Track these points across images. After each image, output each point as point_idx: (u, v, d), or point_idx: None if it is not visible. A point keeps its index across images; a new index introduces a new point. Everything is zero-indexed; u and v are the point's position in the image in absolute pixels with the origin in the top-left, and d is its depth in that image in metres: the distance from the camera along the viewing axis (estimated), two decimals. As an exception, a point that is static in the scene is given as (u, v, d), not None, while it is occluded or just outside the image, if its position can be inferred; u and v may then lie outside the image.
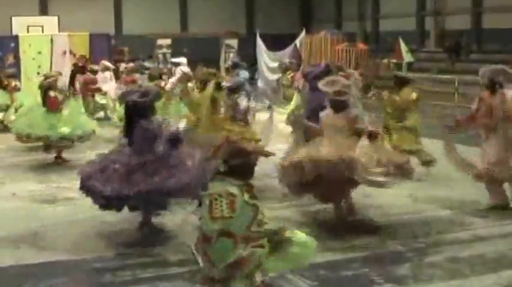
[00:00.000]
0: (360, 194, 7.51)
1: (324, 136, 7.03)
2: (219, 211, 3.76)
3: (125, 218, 7.41)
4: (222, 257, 3.80)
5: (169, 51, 25.74)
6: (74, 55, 20.49)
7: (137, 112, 6.72)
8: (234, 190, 3.84)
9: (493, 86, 7.54)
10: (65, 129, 10.18)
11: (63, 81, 14.19)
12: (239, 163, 3.92)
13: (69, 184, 8.72)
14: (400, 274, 5.82)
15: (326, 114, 7.19)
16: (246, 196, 3.89)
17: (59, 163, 10.50)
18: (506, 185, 7.66)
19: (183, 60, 14.88)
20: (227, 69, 15.15)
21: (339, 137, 6.87)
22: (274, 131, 9.66)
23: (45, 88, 10.34)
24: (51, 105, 10.27)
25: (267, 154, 4.31)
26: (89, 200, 8.22)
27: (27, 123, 10.41)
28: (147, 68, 15.57)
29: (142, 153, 6.66)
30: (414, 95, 9.37)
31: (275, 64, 20.69)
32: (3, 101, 14.26)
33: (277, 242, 4.03)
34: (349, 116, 7.00)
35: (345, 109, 7.06)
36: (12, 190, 8.94)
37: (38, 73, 17.11)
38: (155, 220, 7.32)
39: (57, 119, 10.26)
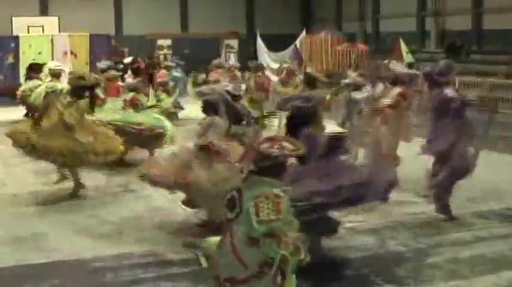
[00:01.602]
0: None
1: None
2: (265, 213, 3.82)
3: (125, 218, 7.43)
4: (267, 257, 3.87)
5: (170, 51, 25.77)
6: (75, 55, 20.53)
7: (300, 118, 6.15)
8: (278, 191, 3.91)
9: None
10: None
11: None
12: (271, 165, 3.99)
13: (70, 185, 8.73)
14: (400, 275, 5.84)
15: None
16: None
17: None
18: None
19: None
20: (228, 70, 15.16)
21: None
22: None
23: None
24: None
25: (295, 154, 4.29)
26: (89, 200, 8.28)
27: None
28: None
29: (309, 160, 5.94)
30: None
31: (276, 65, 20.69)
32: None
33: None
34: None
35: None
36: (13, 190, 8.95)
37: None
38: (156, 220, 7.35)
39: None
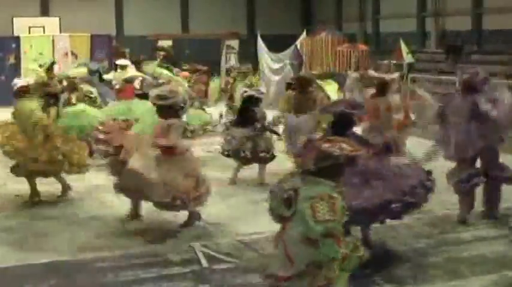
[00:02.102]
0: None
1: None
2: (321, 214, 3.91)
3: (126, 218, 7.45)
4: (329, 257, 3.98)
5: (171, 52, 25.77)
6: (76, 56, 20.55)
7: (343, 124, 6.23)
8: (333, 192, 3.97)
9: None
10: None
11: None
12: (329, 166, 4.04)
13: (71, 184, 8.74)
14: (401, 274, 5.85)
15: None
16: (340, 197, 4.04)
17: None
18: None
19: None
20: (227, 71, 15.22)
21: None
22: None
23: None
24: None
25: (355, 154, 4.33)
26: (89, 200, 8.30)
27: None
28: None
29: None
30: None
31: (277, 65, 20.71)
32: None
33: None
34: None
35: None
36: (14, 190, 8.96)
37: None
38: (157, 220, 7.36)
39: None
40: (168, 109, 7.04)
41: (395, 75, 9.30)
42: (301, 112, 9.54)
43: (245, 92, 9.88)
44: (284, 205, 4.12)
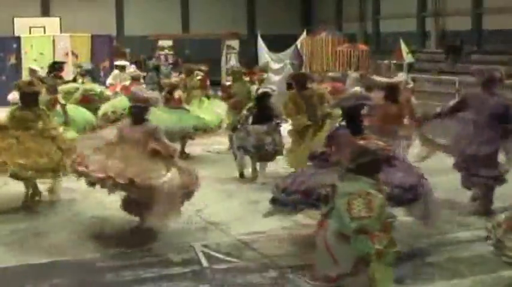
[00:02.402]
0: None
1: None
2: (357, 210, 3.95)
3: (127, 218, 7.44)
4: (362, 253, 4.04)
5: (171, 52, 25.80)
6: (76, 56, 20.57)
7: (355, 116, 6.53)
8: (370, 189, 3.99)
9: None
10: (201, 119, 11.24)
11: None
12: (368, 162, 4.07)
13: (71, 184, 8.74)
14: (401, 274, 5.86)
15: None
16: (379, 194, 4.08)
17: (184, 158, 10.79)
18: None
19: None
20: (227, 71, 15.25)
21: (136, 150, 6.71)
22: None
23: (170, 89, 11.56)
24: (174, 103, 11.35)
25: (389, 151, 4.39)
26: (89, 200, 8.30)
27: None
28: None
29: None
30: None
31: (277, 65, 20.72)
32: None
33: None
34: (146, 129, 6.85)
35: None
36: (15, 190, 8.97)
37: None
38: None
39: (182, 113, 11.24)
40: (145, 112, 6.96)
41: (402, 77, 9.22)
42: (308, 109, 9.43)
43: (257, 89, 10.23)
44: (323, 202, 4.17)
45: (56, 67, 15.65)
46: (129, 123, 7.03)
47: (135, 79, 13.44)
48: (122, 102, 12.02)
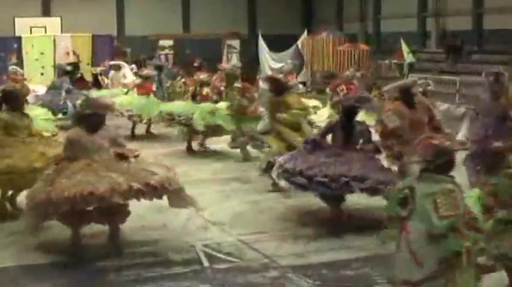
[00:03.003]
0: (362, 195, 7.55)
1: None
2: (443, 209, 3.98)
3: (128, 218, 7.45)
4: (452, 251, 4.02)
5: (172, 52, 25.84)
6: (77, 56, 20.63)
7: (351, 115, 7.48)
8: (452, 187, 4.03)
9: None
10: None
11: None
12: (445, 161, 4.11)
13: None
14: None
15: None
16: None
17: (203, 151, 11.75)
18: None
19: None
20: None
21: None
22: None
23: (200, 84, 12.17)
24: (202, 98, 11.92)
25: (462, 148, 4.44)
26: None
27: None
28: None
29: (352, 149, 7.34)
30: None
31: (278, 65, 20.76)
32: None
33: None
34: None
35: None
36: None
37: (42, 73, 17.53)
38: (158, 219, 7.39)
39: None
40: (104, 119, 6.70)
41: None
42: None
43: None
44: (400, 205, 4.17)
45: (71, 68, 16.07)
46: (82, 132, 6.46)
47: (147, 78, 13.93)
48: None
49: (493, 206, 4.78)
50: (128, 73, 16.48)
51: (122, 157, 6.43)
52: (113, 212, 6.33)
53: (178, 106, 12.22)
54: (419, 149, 4.24)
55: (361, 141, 7.43)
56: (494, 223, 4.71)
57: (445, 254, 4.03)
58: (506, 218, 4.72)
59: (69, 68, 16.15)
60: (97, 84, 16.77)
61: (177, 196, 6.43)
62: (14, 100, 7.90)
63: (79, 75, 16.87)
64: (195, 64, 16.47)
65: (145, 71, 14.62)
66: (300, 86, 17.50)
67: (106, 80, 16.26)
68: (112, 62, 17.10)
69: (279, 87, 9.13)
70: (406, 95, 7.76)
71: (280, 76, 10.59)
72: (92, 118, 6.47)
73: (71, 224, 6.43)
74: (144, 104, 13.25)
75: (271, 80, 9.45)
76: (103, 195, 5.90)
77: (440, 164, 4.13)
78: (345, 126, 7.43)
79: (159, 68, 15.02)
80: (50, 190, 6.07)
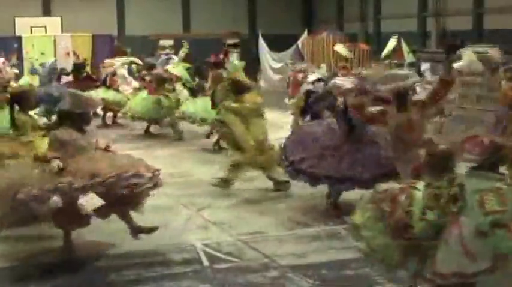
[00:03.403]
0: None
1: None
2: (490, 205, 4.02)
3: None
4: (499, 248, 4.00)
5: (172, 51, 25.83)
6: (78, 56, 20.62)
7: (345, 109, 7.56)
8: (501, 183, 4.06)
9: None
10: None
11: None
12: (496, 159, 4.13)
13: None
14: (402, 274, 5.88)
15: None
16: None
17: (217, 149, 11.87)
18: None
19: None
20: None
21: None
22: None
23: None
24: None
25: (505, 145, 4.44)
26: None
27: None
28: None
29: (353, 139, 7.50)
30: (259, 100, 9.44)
31: (278, 65, 20.78)
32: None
33: None
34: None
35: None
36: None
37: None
38: (159, 219, 7.39)
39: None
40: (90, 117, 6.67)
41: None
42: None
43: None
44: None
45: (77, 69, 16.05)
46: (73, 131, 6.23)
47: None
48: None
49: None
50: (127, 76, 16.40)
51: (106, 150, 6.45)
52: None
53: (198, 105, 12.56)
54: (469, 147, 4.25)
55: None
56: None
57: (498, 251, 4.03)
58: None
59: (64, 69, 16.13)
60: (104, 84, 16.45)
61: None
62: (26, 101, 7.86)
63: (85, 74, 16.72)
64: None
65: (156, 71, 14.52)
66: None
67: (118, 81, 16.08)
68: (106, 60, 17.02)
69: (240, 88, 9.27)
70: (399, 98, 6.75)
71: (290, 73, 11.06)
72: (82, 117, 6.30)
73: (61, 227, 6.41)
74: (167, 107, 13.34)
75: (233, 82, 9.44)
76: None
77: (493, 161, 4.17)
78: (344, 118, 7.54)
79: (150, 67, 15.08)
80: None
